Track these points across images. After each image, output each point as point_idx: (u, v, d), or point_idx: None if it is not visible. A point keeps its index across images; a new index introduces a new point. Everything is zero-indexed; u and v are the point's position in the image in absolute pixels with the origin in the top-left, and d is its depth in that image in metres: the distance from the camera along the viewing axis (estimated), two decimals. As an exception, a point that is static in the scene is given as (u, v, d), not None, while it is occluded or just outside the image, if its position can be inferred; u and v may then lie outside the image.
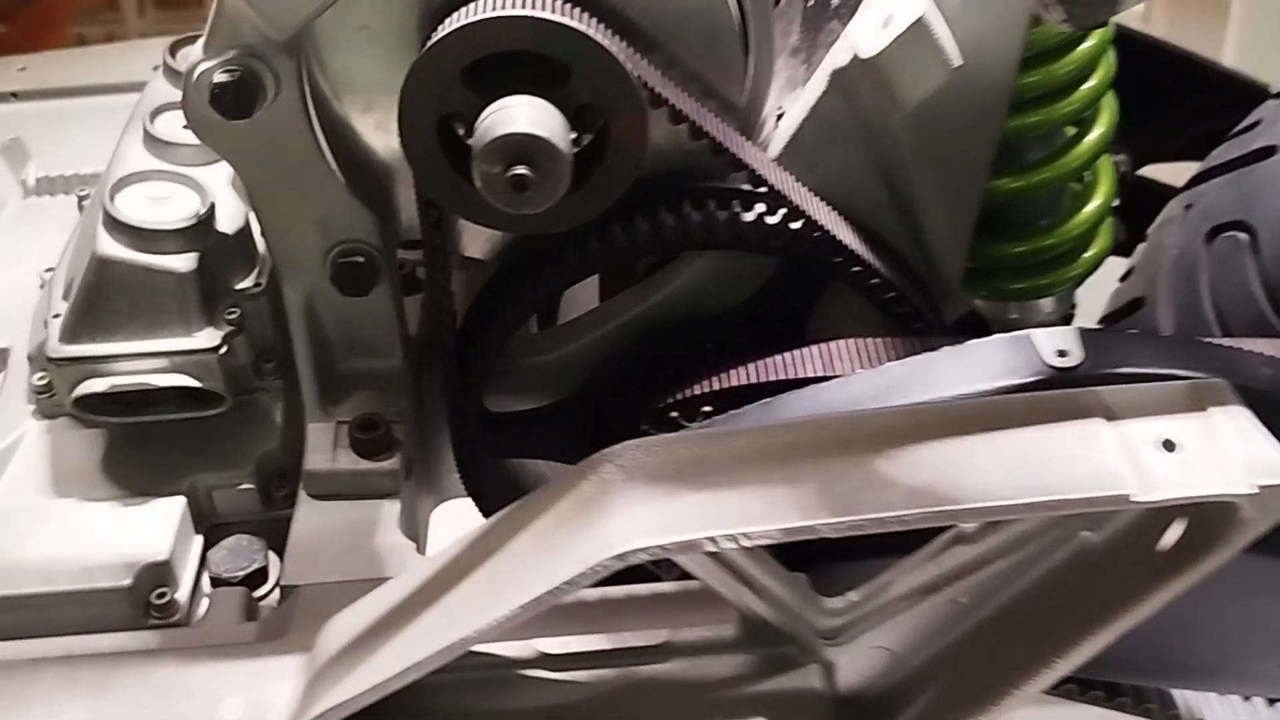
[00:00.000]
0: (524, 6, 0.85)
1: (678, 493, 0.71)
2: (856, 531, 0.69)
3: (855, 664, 0.87)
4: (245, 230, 1.02)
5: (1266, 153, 1.11)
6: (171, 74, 1.15)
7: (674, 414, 0.98)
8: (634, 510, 0.71)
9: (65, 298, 0.99)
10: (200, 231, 0.98)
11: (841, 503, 0.69)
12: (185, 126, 1.03)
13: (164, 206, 0.98)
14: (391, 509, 0.98)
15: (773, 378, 0.97)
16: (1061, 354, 0.89)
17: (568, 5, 0.87)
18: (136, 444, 1.01)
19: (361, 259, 0.97)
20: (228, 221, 1.01)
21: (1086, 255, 1.11)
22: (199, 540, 1.00)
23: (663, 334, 1.04)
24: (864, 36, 0.89)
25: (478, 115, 0.87)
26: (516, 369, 1.07)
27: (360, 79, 0.94)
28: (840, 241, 0.97)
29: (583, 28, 0.85)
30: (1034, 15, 0.91)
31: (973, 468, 0.71)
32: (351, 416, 1.02)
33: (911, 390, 0.91)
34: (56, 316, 0.98)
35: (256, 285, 1.01)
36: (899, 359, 0.97)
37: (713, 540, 0.69)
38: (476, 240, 1.05)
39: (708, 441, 0.74)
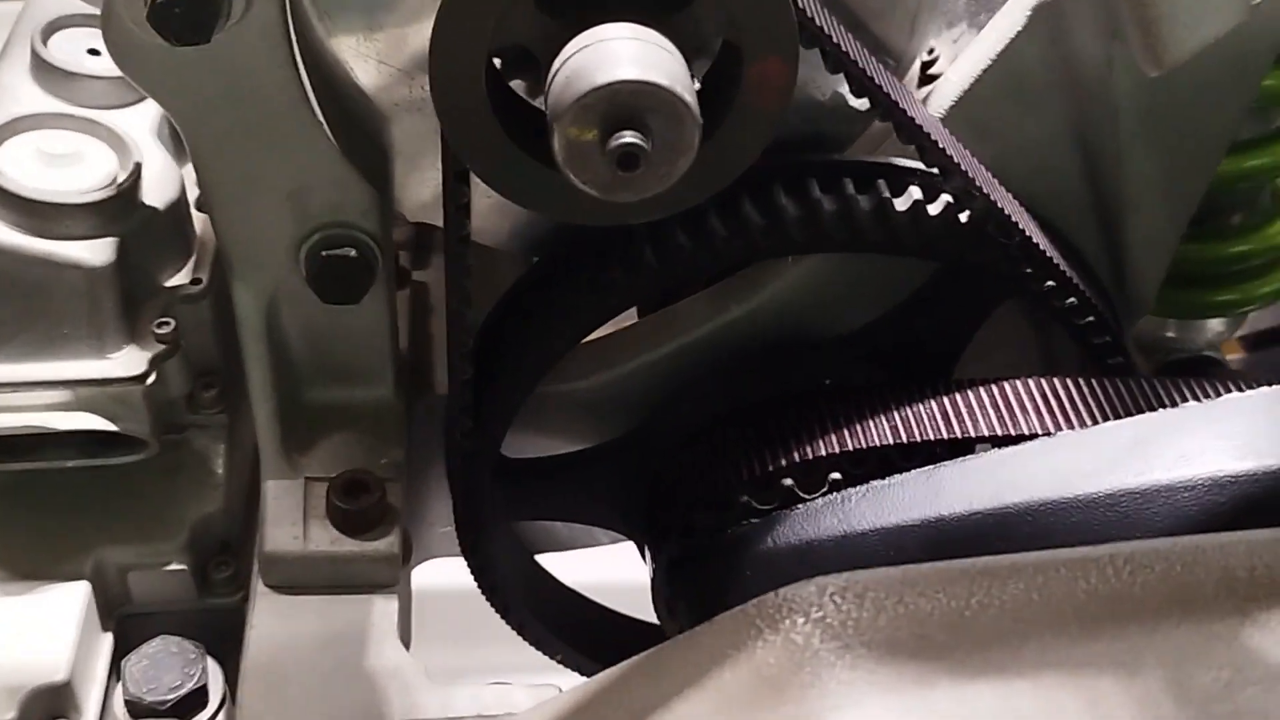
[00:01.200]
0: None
1: (929, 679, 0.44)
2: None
3: None
4: (180, 204, 0.71)
5: None
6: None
7: (787, 481, 0.71)
8: (859, 709, 0.44)
9: (-89, 296, 0.68)
10: (120, 205, 0.67)
11: (1212, 711, 0.43)
12: (94, 50, 0.73)
13: (68, 168, 0.67)
14: (387, 609, 0.69)
15: (931, 436, 0.70)
16: (1390, 420, 0.64)
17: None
18: (17, 504, 0.71)
19: (352, 251, 0.68)
20: (156, 191, 0.70)
21: (1288, 266, 0.86)
22: (107, 641, 0.70)
23: (753, 362, 0.77)
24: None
25: (554, 53, 0.58)
26: (540, 399, 0.78)
27: None
28: (1037, 245, 0.70)
29: (719, -83, 0.56)
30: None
31: None
32: (327, 471, 0.72)
33: (1155, 464, 0.65)
34: (-103, 323, 0.67)
35: (195, 282, 0.71)
36: (1108, 409, 0.71)
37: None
38: (490, 221, 0.76)
39: (957, 584, 0.47)
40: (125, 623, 0.72)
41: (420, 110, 0.69)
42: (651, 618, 0.92)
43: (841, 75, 0.64)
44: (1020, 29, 0.68)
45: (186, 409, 0.72)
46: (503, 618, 0.85)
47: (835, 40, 0.62)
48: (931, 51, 0.76)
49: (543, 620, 0.86)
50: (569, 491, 0.81)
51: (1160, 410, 0.68)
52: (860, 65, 0.63)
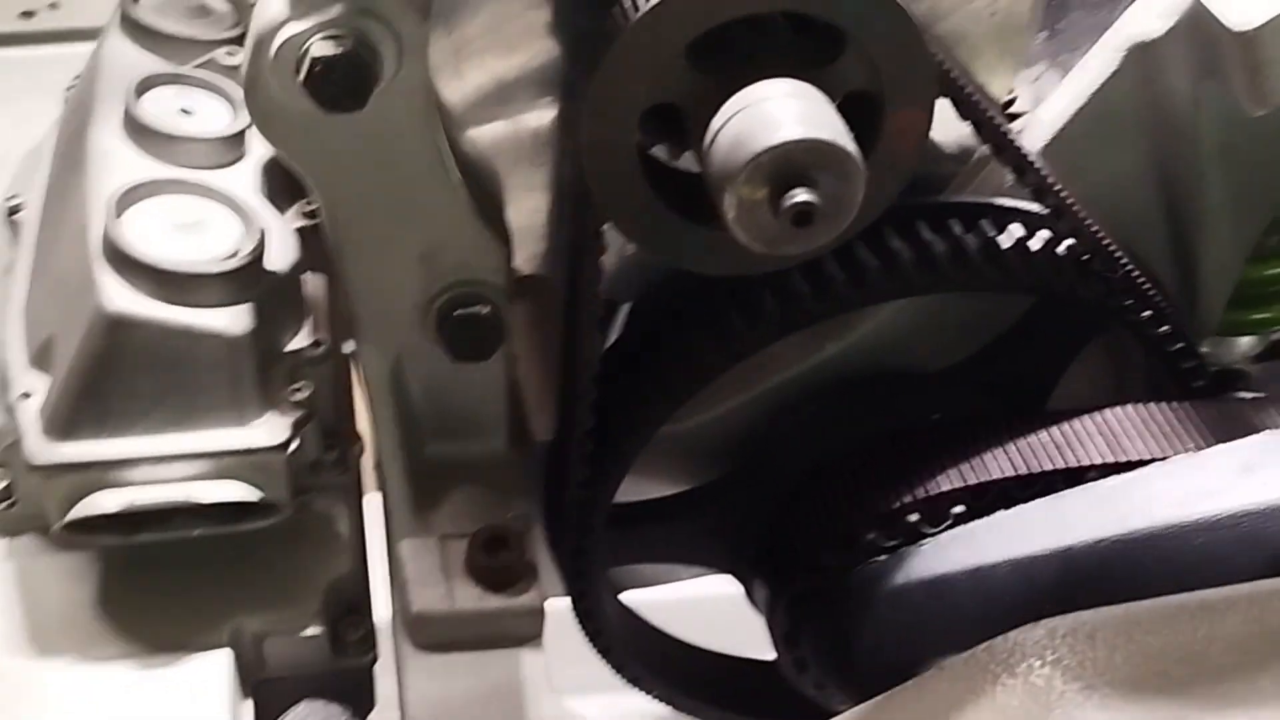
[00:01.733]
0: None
1: (1179, 713, 0.46)
2: None
3: None
4: (298, 266, 0.71)
5: None
6: (134, 29, 0.82)
7: (913, 516, 0.73)
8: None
9: (39, 366, 0.67)
10: (252, 272, 0.67)
11: None
12: (186, 110, 0.74)
13: (194, 236, 0.67)
14: (536, 662, 0.70)
15: (1048, 466, 0.72)
16: None
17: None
18: (147, 575, 0.70)
19: (485, 309, 0.68)
20: (277, 254, 0.70)
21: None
22: (248, 709, 0.69)
23: (854, 398, 0.79)
24: (1227, 4, 0.65)
25: (705, 111, 0.60)
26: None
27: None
28: (1135, 277, 0.73)
29: (875, -22, 0.59)
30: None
31: None
32: (460, 528, 0.72)
33: (1270, 482, 0.68)
34: (27, 396, 0.66)
35: (316, 344, 0.71)
36: (1204, 433, 0.74)
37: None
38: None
39: (1179, 620, 0.50)
40: (260, 689, 0.72)
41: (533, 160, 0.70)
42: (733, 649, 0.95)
43: (957, 118, 0.68)
44: (1114, 70, 0.71)
45: (310, 472, 0.72)
46: (604, 658, 0.86)
47: (968, 90, 0.65)
48: (1011, 90, 0.79)
49: (641, 660, 0.87)
50: (676, 533, 0.83)
51: (1265, 431, 0.72)
52: (989, 113, 0.66)
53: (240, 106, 0.75)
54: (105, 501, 0.65)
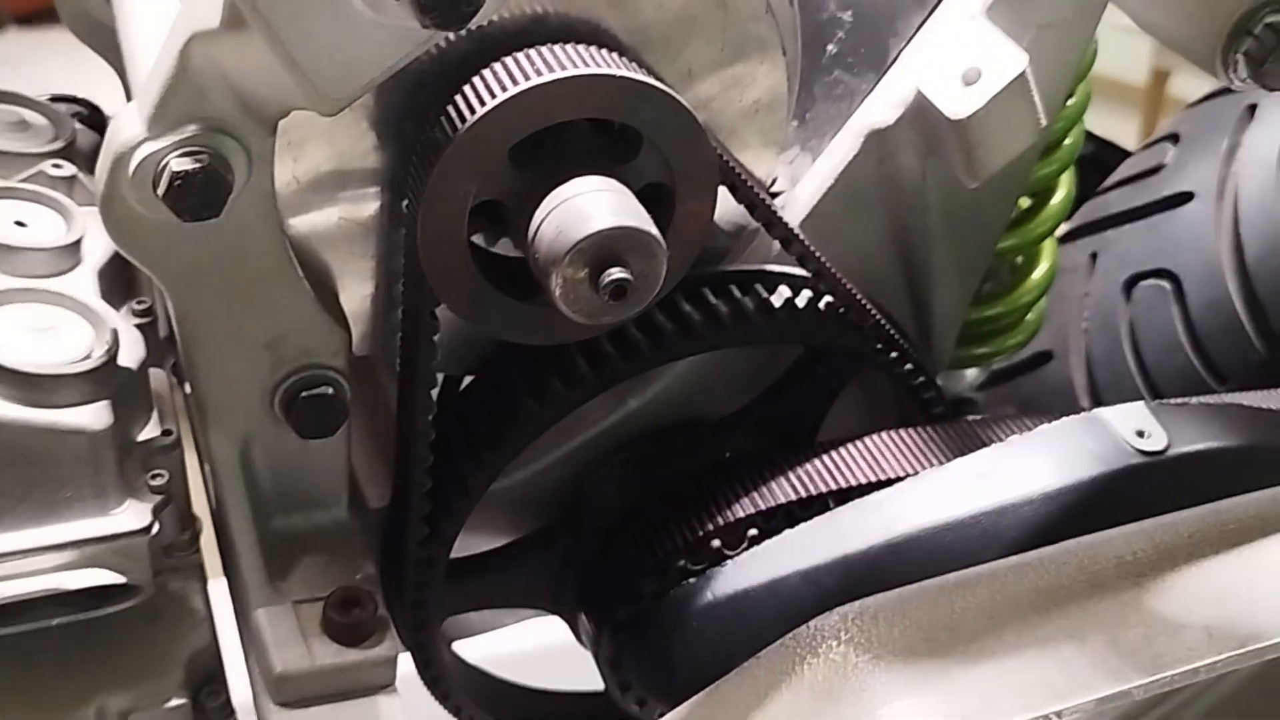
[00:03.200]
0: (592, 64, 0.68)
1: (946, 670, 0.58)
2: (1169, 688, 0.59)
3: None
4: (145, 362, 0.76)
5: (1183, 198, 1.12)
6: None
7: (715, 542, 0.83)
8: (905, 701, 0.57)
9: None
10: (107, 371, 0.71)
11: (1142, 657, 0.59)
12: (20, 222, 0.77)
13: (50, 340, 0.71)
14: (392, 705, 0.76)
15: (824, 488, 0.84)
16: (1141, 434, 0.84)
17: (632, 63, 0.70)
18: (7, 663, 0.73)
19: (330, 390, 0.75)
20: (127, 352, 0.74)
21: (1028, 321, 1.07)
22: (114, 787, 0.73)
23: (656, 445, 0.89)
24: (941, 93, 0.78)
25: (527, 204, 0.69)
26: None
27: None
28: (884, 325, 0.86)
29: (668, 89, 0.69)
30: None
31: (1258, 591, 0.62)
32: (312, 593, 0.78)
33: (999, 487, 0.82)
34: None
35: (166, 433, 0.75)
36: (944, 450, 0.88)
37: (1025, 727, 0.56)
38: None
39: (940, 597, 0.61)
40: (122, 767, 0.75)
41: (362, 251, 0.77)
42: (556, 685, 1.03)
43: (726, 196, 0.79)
44: (855, 153, 0.84)
45: (165, 553, 0.77)
46: (442, 704, 0.93)
47: (742, 177, 0.76)
48: (772, 172, 0.91)
49: (476, 702, 0.94)
50: (506, 582, 0.91)
51: (991, 446, 0.86)
52: (759, 195, 0.77)
53: (72, 216, 0.80)
54: (-28, 597, 0.68)
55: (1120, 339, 1.13)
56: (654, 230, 0.67)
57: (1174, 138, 1.18)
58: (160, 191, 0.64)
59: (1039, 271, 1.03)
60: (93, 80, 1.08)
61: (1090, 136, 1.56)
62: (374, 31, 0.58)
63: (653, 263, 0.67)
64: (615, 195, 0.68)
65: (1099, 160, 1.29)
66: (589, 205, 0.67)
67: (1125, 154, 1.26)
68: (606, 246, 0.66)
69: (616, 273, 0.66)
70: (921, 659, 0.57)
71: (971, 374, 1.15)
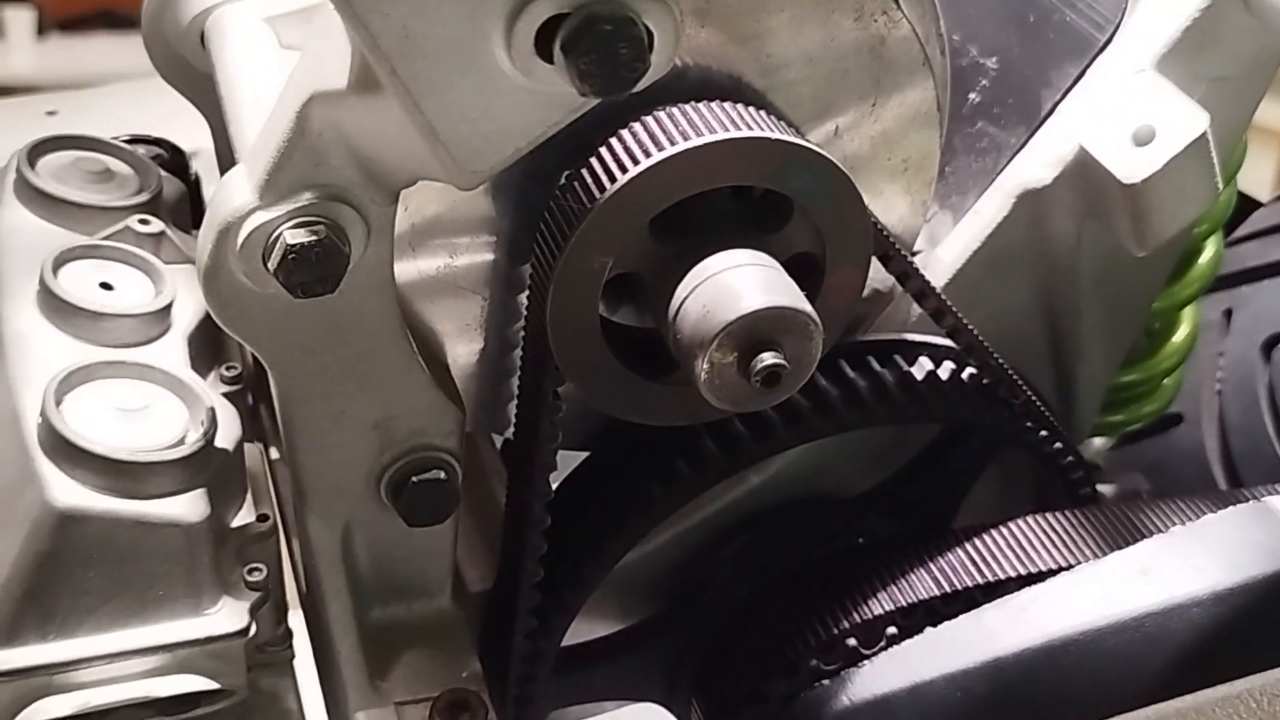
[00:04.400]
0: (742, 126, 0.61)
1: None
2: None
3: None
4: (241, 442, 0.69)
5: (1325, 252, 1.05)
6: (34, 196, 0.78)
7: (850, 641, 0.76)
8: None
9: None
10: (204, 457, 0.65)
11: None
12: (106, 285, 0.72)
13: (141, 421, 0.64)
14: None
15: (969, 582, 0.77)
16: (1320, 526, 0.76)
17: (780, 120, 0.64)
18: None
19: (442, 474, 0.68)
20: (223, 433, 0.68)
21: (1166, 386, 0.99)
22: None
23: (782, 528, 0.82)
24: (1111, 154, 0.71)
25: (666, 278, 0.62)
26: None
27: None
28: (1033, 402, 0.79)
29: (822, 152, 0.62)
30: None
31: None
32: (413, 693, 0.71)
33: (1165, 586, 0.74)
34: (-41, 599, 0.62)
35: (262, 519, 0.69)
36: (1097, 539, 0.81)
37: None
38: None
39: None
40: None
41: (475, 324, 0.71)
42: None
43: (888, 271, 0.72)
44: (1005, 215, 0.77)
45: (259, 651, 0.70)
46: (541, 805, 0.86)
47: (896, 246, 0.69)
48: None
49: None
50: (615, 672, 0.84)
51: (1154, 536, 0.78)
52: (913, 264, 0.71)
53: (162, 278, 0.73)
54: (54, 707, 0.62)
55: (1259, 402, 1.05)
56: (810, 310, 0.60)
57: (1314, 187, 1.11)
58: (272, 266, 0.58)
59: (1180, 335, 0.96)
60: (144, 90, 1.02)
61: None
62: (523, 99, 0.52)
63: (808, 345, 0.60)
64: (767, 271, 0.61)
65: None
66: (739, 282, 0.60)
67: (1255, 203, 1.18)
68: (759, 329, 0.59)
69: (770, 358, 0.59)
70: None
71: (1100, 442, 1.08)
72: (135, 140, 0.92)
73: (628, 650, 0.83)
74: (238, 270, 0.59)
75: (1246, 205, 1.19)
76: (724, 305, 0.60)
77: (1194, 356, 1.10)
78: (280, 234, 0.58)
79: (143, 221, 0.77)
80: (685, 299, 0.61)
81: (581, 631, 0.84)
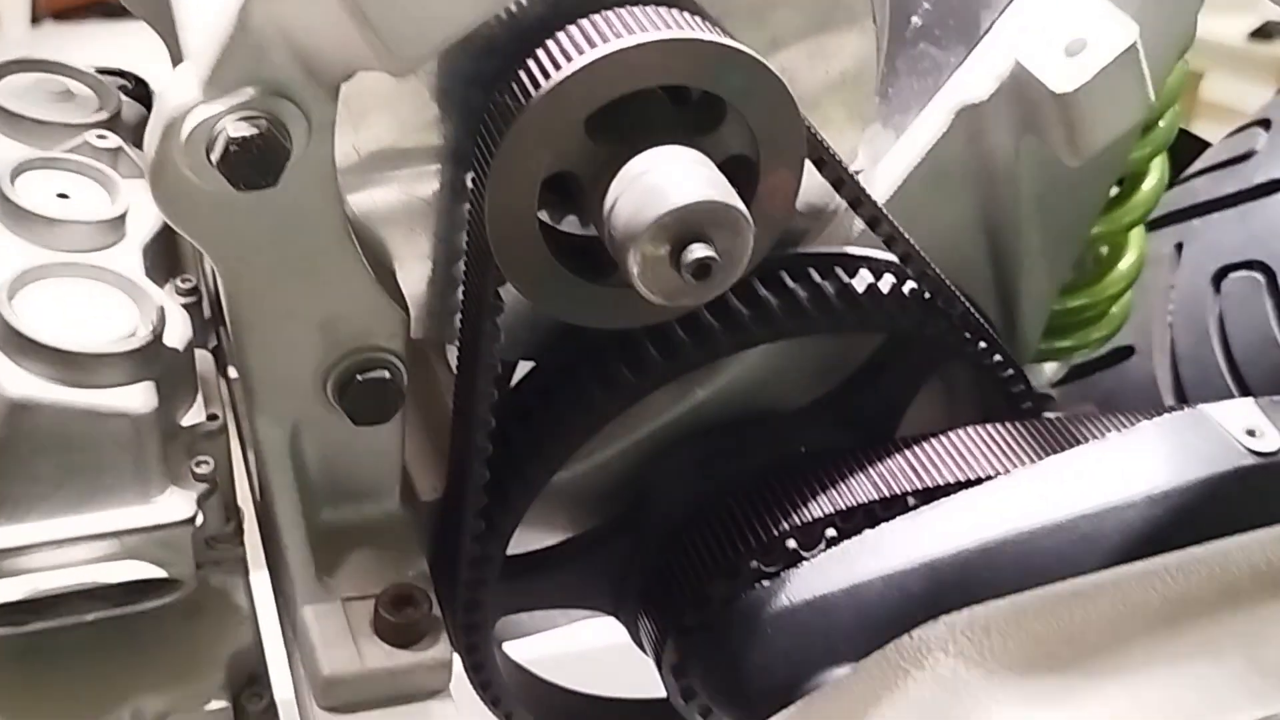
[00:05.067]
0: (676, 28, 0.63)
1: (1068, 688, 0.53)
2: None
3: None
4: (191, 343, 0.71)
5: (1276, 186, 1.06)
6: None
7: (790, 543, 0.78)
8: (1023, 721, 0.52)
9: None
10: (152, 351, 0.66)
11: (1291, 677, 0.53)
12: (63, 194, 0.73)
13: (92, 318, 0.66)
14: (446, 712, 0.71)
15: (905, 488, 0.79)
16: (1251, 433, 0.78)
17: (715, 28, 0.65)
18: (41, 661, 0.69)
19: (386, 374, 0.70)
20: (173, 332, 0.70)
21: (1114, 314, 1.01)
22: (153, 797, 0.69)
23: (727, 439, 0.84)
24: (1043, 66, 0.73)
25: (601, 177, 0.64)
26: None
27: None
28: (973, 313, 0.81)
29: (756, 55, 0.64)
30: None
31: None
32: (360, 590, 0.73)
33: (1100, 488, 0.76)
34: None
35: (212, 418, 0.71)
36: (1035, 447, 0.82)
37: (1157, 754, 0.51)
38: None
39: (1058, 607, 0.56)
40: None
41: (421, 229, 0.73)
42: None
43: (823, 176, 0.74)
44: (944, 131, 0.79)
45: (208, 546, 0.72)
46: (492, 710, 0.88)
47: (829, 151, 0.71)
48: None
49: (530, 709, 0.90)
50: (563, 581, 0.86)
51: (1090, 443, 0.80)
52: (847, 170, 0.72)
53: (117, 189, 0.75)
54: (3, 591, 0.64)
55: (1208, 334, 1.07)
56: (740, 204, 0.62)
57: (1265, 123, 1.12)
58: (214, 158, 0.60)
59: (1126, 261, 0.98)
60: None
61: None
62: (450, -16, 0.53)
63: (738, 240, 0.62)
64: (699, 168, 0.63)
65: (1180, 148, 1.23)
66: (670, 178, 0.62)
67: (1201, 142, 1.20)
68: (689, 222, 0.61)
69: (700, 250, 0.61)
70: (1041, 674, 0.52)
71: (1049, 369, 1.09)
72: (102, 71, 0.94)
73: (574, 559, 0.85)
74: (182, 164, 0.61)
75: (1189, 143, 1.21)
76: (656, 199, 0.61)
77: (1145, 289, 1.12)
78: (222, 128, 0.59)
79: (100, 137, 0.79)
80: (619, 195, 0.62)
81: (533, 545, 0.86)
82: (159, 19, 0.86)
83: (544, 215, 0.69)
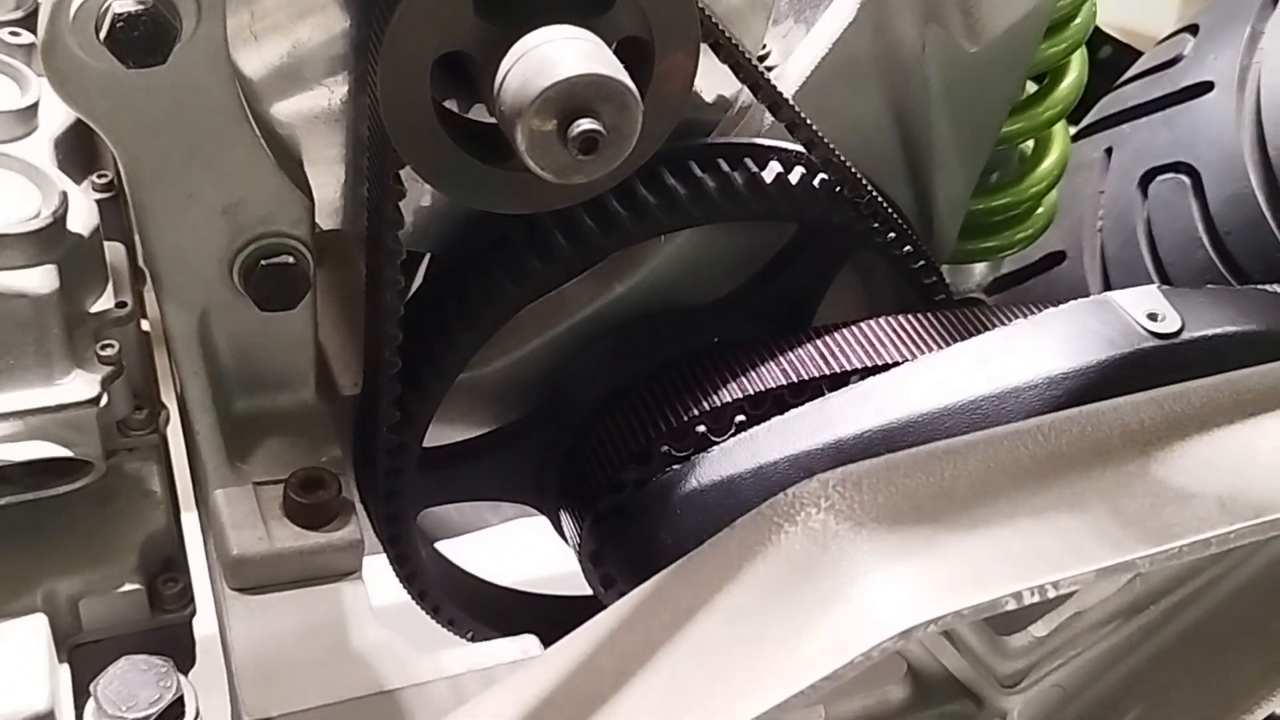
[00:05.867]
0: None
1: (933, 539, 0.54)
2: (1178, 561, 0.55)
3: (1029, 710, 0.72)
4: (98, 230, 0.72)
5: (1202, 89, 1.06)
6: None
7: (700, 428, 0.79)
8: (888, 569, 0.53)
9: None
10: (54, 233, 0.67)
11: (1149, 527, 0.54)
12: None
13: (-2, 204, 0.67)
14: (358, 593, 0.73)
15: (815, 373, 0.80)
16: (1153, 317, 0.79)
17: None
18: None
19: (290, 259, 0.71)
20: (78, 218, 0.70)
21: (1038, 214, 1.02)
22: (65, 673, 0.70)
23: (643, 332, 0.85)
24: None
25: (492, 57, 0.64)
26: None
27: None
28: (882, 205, 0.81)
29: (643, -70, 0.64)
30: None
31: (1276, 460, 0.58)
32: (273, 474, 0.74)
33: (1001, 371, 0.78)
34: None
35: (120, 305, 0.72)
36: (945, 336, 0.84)
37: (1017, 596, 0.52)
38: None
39: (929, 464, 0.57)
40: (75, 653, 0.72)
41: (330, 119, 0.73)
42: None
43: (714, 67, 0.74)
44: (850, 21, 0.79)
45: (118, 432, 0.73)
46: (418, 602, 0.90)
47: (729, 36, 0.72)
48: (765, 45, 0.86)
49: (455, 602, 0.91)
50: (483, 472, 0.87)
51: (996, 329, 0.81)
52: (746, 55, 0.73)
53: (28, 82, 0.76)
54: (-88, 469, 0.65)
55: (1136, 237, 1.08)
56: (626, 78, 0.62)
57: (1193, 28, 1.12)
58: (103, 35, 0.60)
59: (1049, 160, 0.98)
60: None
61: (1109, 39, 1.50)
62: None
63: (626, 115, 0.63)
64: (585, 43, 0.63)
65: (1118, 64, 1.24)
66: (557, 53, 0.62)
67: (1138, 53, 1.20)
68: (575, 95, 0.61)
69: (586, 124, 0.61)
70: (907, 527, 0.54)
71: (980, 271, 1.10)
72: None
73: (493, 450, 0.86)
74: (73, 43, 0.61)
75: (1135, 59, 1.22)
76: (542, 73, 0.62)
77: (1075, 195, 1.13)
78: (110, 5, 0.60)
79: (13, 34, 0.80)
80: (508, 71, 0.63)
81: (456, 437, 0.87)
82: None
83: (452, 105, 0.70)
